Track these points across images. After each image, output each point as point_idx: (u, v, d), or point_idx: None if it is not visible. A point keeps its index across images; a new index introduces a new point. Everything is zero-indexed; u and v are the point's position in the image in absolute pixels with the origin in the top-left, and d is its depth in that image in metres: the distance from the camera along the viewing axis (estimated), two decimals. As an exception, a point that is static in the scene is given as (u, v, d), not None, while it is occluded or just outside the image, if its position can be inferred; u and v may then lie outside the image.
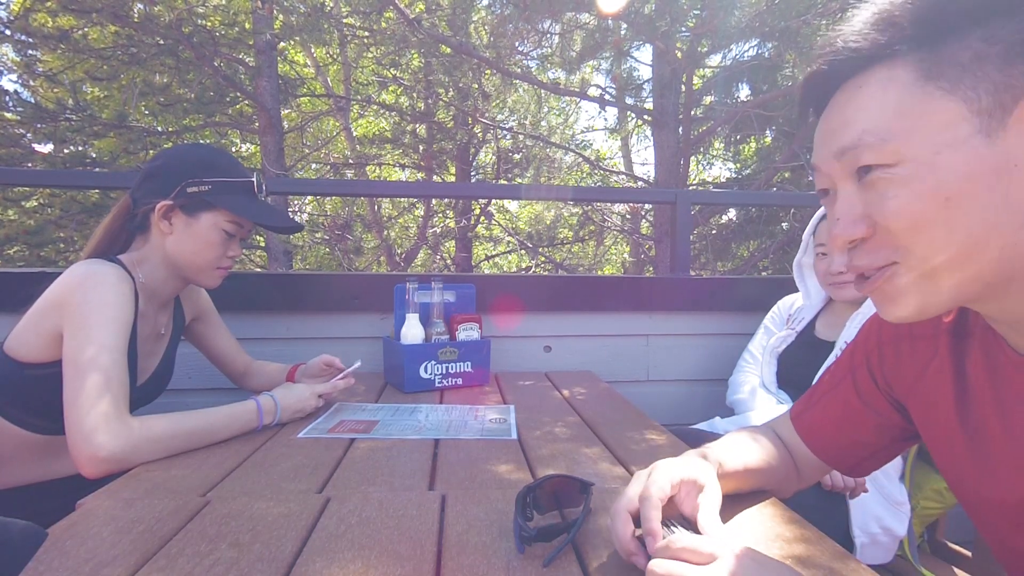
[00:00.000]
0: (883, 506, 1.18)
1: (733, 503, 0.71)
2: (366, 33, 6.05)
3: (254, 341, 1.59)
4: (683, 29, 4.73)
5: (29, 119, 6.18)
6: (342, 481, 0.83)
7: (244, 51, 6.39)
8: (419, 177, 8.95)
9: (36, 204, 6.61)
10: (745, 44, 5.37)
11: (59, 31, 5.75)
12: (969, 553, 1.32)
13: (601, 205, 7.66)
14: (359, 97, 8.45)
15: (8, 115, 6.10)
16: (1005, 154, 0.44)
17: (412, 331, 1.41)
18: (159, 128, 7.17)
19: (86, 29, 6.09)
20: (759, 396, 1.46)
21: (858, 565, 0.59)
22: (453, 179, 8.67)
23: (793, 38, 4.41)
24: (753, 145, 7.12)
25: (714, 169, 9.86)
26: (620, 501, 0.59)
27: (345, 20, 5.87)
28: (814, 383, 0.80)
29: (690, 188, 6.99)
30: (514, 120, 8.31)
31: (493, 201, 8.37)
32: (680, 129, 5.77)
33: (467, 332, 1.48)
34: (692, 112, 6.02)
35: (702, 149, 7.86)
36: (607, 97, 6.47)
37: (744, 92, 6.27)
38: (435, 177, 8.68)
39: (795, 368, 1.44)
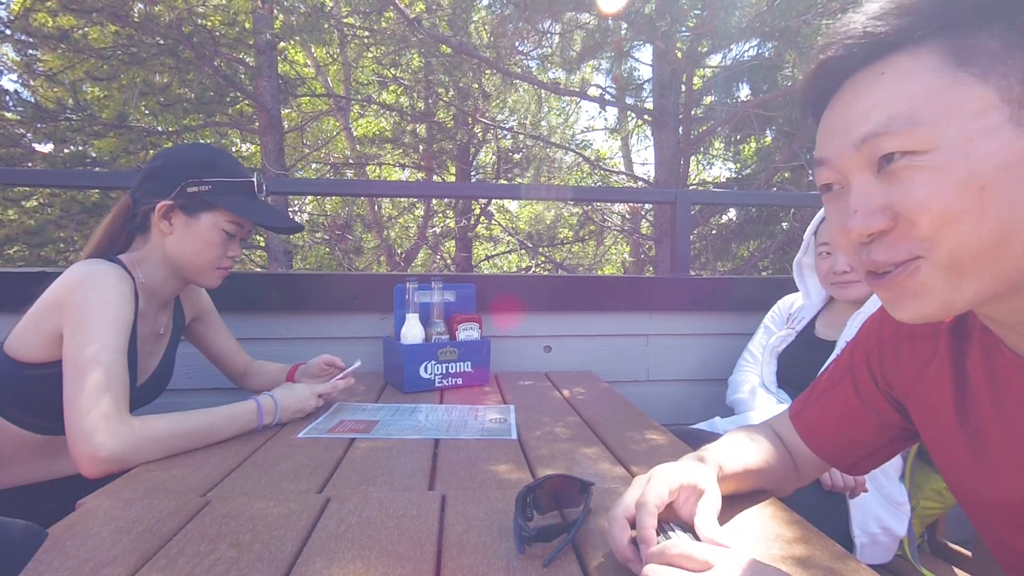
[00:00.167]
0: (883, 506, 1.18)
1: (733, 503, 0.71)
2: (366, 33, 6.05)
3: (254, 341, 1.59)
4: (683, 29, 4.73)
5: (29, 119, 6.18)
6: (342, 481, 0.83)
7: (244, 51, 6.40)
8: (419, 177, 8.96)
9: (36, 204, 6.61)
10: (745, 44, 5.38)
11: (59, 31, 5.76)
12: (969, 553, 1.32)
13: (601, 205, 7.66)
14: (359, 97, 8.46)
15: (8, 115, 6.10)
16: None
17: (412, 331, 1.41)
18: (159, 128, 7.17)
19: (86, 29, 6.09)
20: (759, 396, 1.46)
21: (858, 565, 0.59)
22: (453, 179, 8.68)
23: (793, 38, 4.41)
24: (753, 145, 7.13)
25: (714, 169, 9.87)
26: (617, 507, 0.59)
27: (345, 20, 5.88)
28: (813, 381, 0.80)
29: (690, 188, 6.98)
30: (514, 120, 8.32)
31: (493, 201, 8.37)
32: (680, 129, 5.77)
33: (467, 332, 1.48)
34: (692, 112, 6.03)
35: (702, 149, 7.86)
36: (607, 97, 6.47)
37: (744, 92, 6.27)
38: (435, 177, 8.69)
39: (795, 368, 1.44)
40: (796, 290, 1.56)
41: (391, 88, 8.27)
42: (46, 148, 6.61)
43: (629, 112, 7.01)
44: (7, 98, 6.13)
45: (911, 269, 0.47)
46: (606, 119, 12.91)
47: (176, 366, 1.26)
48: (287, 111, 7.80)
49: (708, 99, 6.56)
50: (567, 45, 5.22)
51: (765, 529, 0.67)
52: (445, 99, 7.13)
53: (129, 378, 0.96)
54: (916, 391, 0.64)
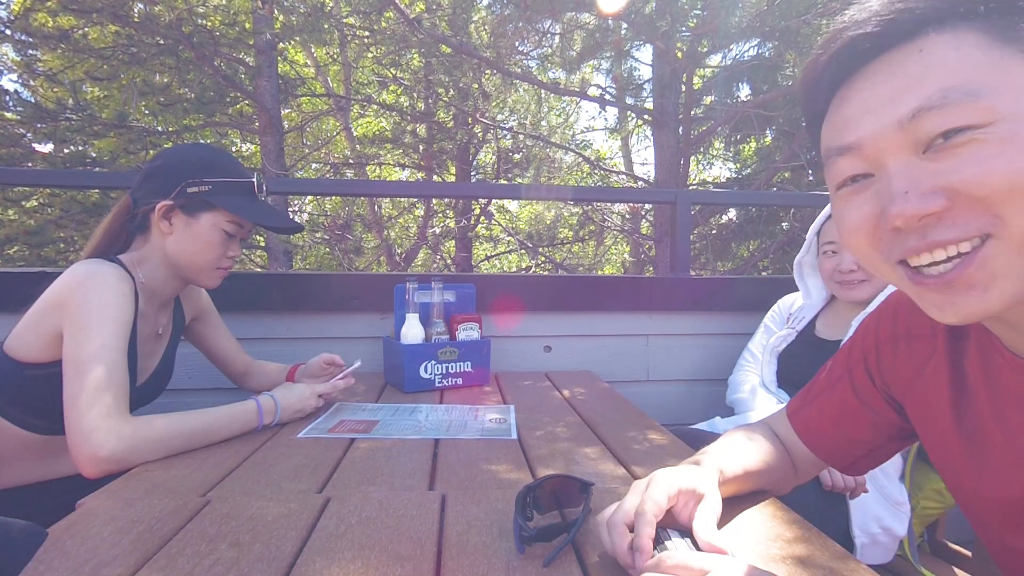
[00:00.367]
0: (883, 506, 1.18)
1: (732, 504, 0.71)
2: (366, 33, 6.06)
3: (254, 341, 1.59)
4: (683, 29, 4.73)
5: (29, 119, 6.19)
6: (342, 481, 0.83)
7: (244, 51, 6.40)
8: (419, 177, 8.96)
9: (36, 204, 6.61)
10: (745, 44, 5.38)
11: (59, 31, 5.76)
12: (969, 553, 1.32)
13: (601, 205, 7.66)
14: (359, 97, 8.46)
15: (8, 115, 6.11)
16: None
17: (412, 331, 1.41)
18: (159, 128, 7.18)
19: (86, 29, 6.10)
20: (759, 395, 1.46)
21: (858, 565, 0.59)
22: (453, 179, 8.68)
23: (793, 38, 4.41)
24: (753, 145, 7.13)
25: (714, 169, 9.88)
26: (617, 514, 0.59)
27: (345, 20, 5.88)
28: (811, 380, 0.79)
29: (690, 188, 6.99)
30: (514, 120, 8.32)
31: (493, 201, 8.37)
32: (680, 129, 5.77)
33: (467, 332, 1.48)
34: (692, 112, 6.03)
35: (702, 149, 7.87)
36: (607, 97, 6.47)
37: (744, 92, 6.27)
38: (435, 177, 8.69)
39: (795, 367, 1.44)
40: (796, 290, 1.56)
41: (391, 88, 8.27)
42: (46, 148, 6.62)
43: (629, 112, 7.01)
44: (7, 98, 6.14)
45: (980, 255, 0.43)
46: (606, 119, 12.92)
47: (176, 366, 1.26)
48: (287, 111, 7.80)
49: (708, 99, 6.56)
50: (567, 45, 5.22)
51: (765, 529, 0.67)
52: (445, 99, 7.13)
53: (129, 378, 0.96)
54: (913, 390, 0.64)
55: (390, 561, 0.59)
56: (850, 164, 0.49)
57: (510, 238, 9.18)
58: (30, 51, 6.58)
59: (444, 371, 1.43)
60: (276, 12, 5.61)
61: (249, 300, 1.66)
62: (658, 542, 0.56)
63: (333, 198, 9.29)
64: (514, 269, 10.34)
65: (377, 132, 8.92)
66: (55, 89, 6.54)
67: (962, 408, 0.58)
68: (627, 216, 8.11)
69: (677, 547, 0.54)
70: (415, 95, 7.77)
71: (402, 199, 8.68)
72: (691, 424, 1.51)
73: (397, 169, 9.17)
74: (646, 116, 6.13)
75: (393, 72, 7.53)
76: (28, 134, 6.34)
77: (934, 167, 0.44)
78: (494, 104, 7.34)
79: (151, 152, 6.40)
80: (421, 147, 8.22)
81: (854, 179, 0.49)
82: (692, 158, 7.11)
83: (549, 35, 5.44)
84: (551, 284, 1.85)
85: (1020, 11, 0.43)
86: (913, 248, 0.45)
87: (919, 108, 0.43)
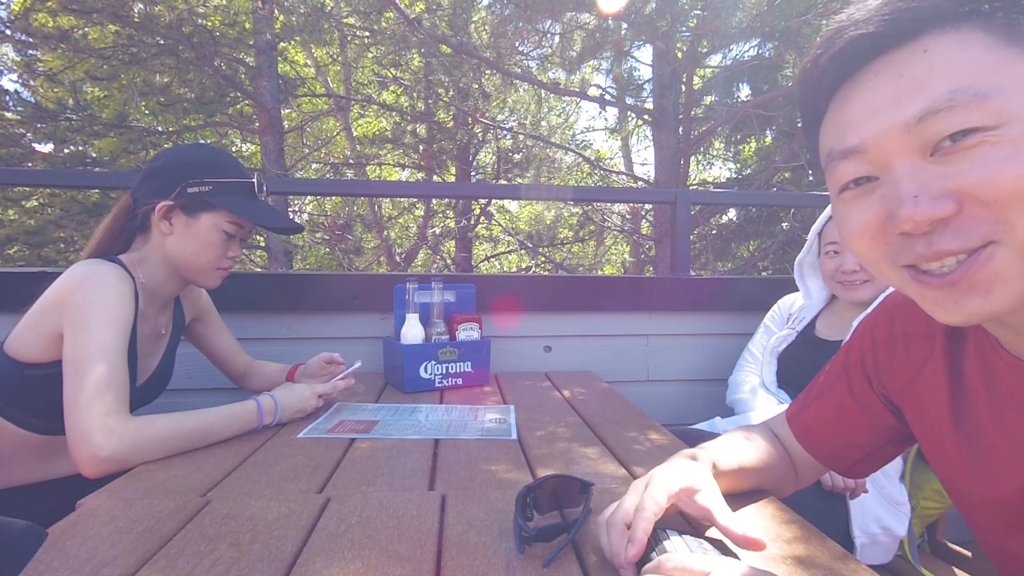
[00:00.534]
0: (883, 506, 1.18)
1: (731, 503, 0.71)
2: (366, 33, 6.06)
3: (254, 341, 1.59)
4: (683, 29, 4.73)
5: (29, 119, 6.19)
6: (342, 481, 0.83)
7: (244, 51, 6.40)
8: (419, 177, 8.96)
9: (36, 204, 6.62)
10: (745, 44, 5.38)
11: (59, 31, 5.76)
12: (969, 553, 1.32)
13: (601, 205, 7.66)
14: (359, 97, 8.46)
15: (8, 115, 6.11)
16: None
17: (412, 331, 1.41)
18: (159, 128, 7.18)
19: (86, 29, 6.10)
20: (759, 396, 1.46)
21: (858, 565, 0.59)
22: (453, 179, 8.68)
23: (794, 38, 4.41)
24: (753, 145, 7.13)
25: (714, 169, 9.87)
26: (616, 513, 0.59)
27: (345, 20, 5.88)
28: (810, 384, 0.79)
29: (690, 188, 6.99)
30: (514, 120, 8.32)
31: (493, 201, 8.37)
32: (680, 129, 5.77)
33: (467, 332, 1.48)
34: (692, 112, 6.03)
35: (702, 149, 7.86)
36: (607, 97, 6.47)
37: (744, 92, 6.28)
38: (435, 177, 8.69)
39: (795, 368, 1.44)
40: (796, 290, 1.56)
41: (391, 88, 8.27)
42: (46, 148, 6.62)
43: (629, 112, 7.01)
44: (7, 98, 6.14)
45: (984, 257, 0.42)
46: (606, 119, 12.93)
47: (176, 366, 1.26)
48: (287, 111, 7.80)
49: (708, 99, 6.56)
50: (567, 45, 5.22)
51: (765, 529, 0.67)
52: (445, 99, 7.13)
53: (129, 378, 0.96)
54: (911, 392, 0.64)
55: (390, 561, 0.59)
56: (854, 167, 0.48)
57: (510, 238, 9.18)
58: (30, 51, 6.59)
59: (444, 371, 1.43)
60: (276, 12, 5.61)
61: (249, 300, 1.66)
62: (657, 542, 0.56)
63: (333, 198, 9.30)
64: (514, 269, 10.35)
65: (377, 132, 8.93)
66: (55, 89, 6.54)
67: (960, 409, 0.58)
68: (627, 216, 8.11)
69: (676, 547, 0.54)
70: (415, 95, 7.78)
71: (402, 199, 8.68)
72: (691, 424, 1.51)
73: (397, 169, 9.17)
74: (646, 116, 6.13)
75: (393, 72, 7.53)
76: (28, 134, 6.35)
77: (942, 170, 0.43)
78: (494, 104, 7.34)
79: (151, 152, 6.41)
80: (421, 147, 8.23)
81: (857, 182, 0.48)
82: (692, 158, 7.11)
83: (549, 35, 5.44)
84: (551, 284, 1.85)
85: (1023, 9, 0.42)
86: (922, 255, 0.45)
87: (926, 110, 0.42)
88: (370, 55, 6.96)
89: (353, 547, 0.62)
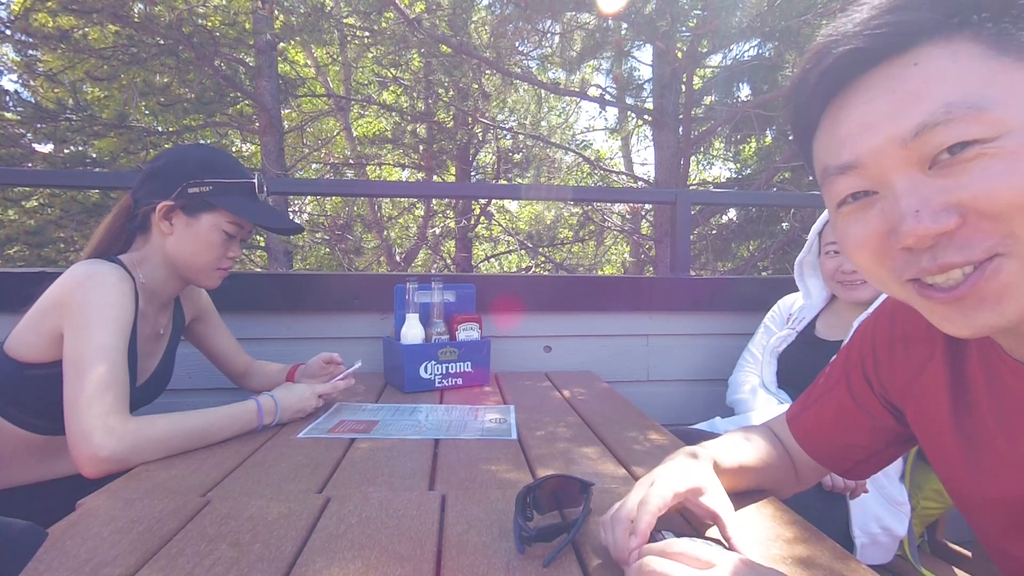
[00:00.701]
0: (883, 506, 1.18)
1: (732, 503, 0.71)
2: (366, 33, 6.06)
3: (254, 341, 1.59)
4: (683, 29, 4.73)
5: (29, 119, 6.19)
6: (342, 481, 0.83)
7: (244, 51, 6.40)
8: (419, 177, 8.96)
9: (36, 204, 6.62)
10: (746, 44, 5.38)
11: (59, 31, 5.76)
12: (969, 553, 1.32)
13: (601, 205, 7.66)
14: (359, 97, 8.46)
15: (8, 115, 6.11)
16: None
17: (412, 331, 1.41)
18: (159, 128, 7.18)
19: (86, 29, 6.10)
20: (759, 396, 1.46)
21: (858, 565, 0.59)
22: (453, 179, 8.68)
23: (794, 38, 4.41)
24: (753, 145, 7.13)
25: (714, 169, 9.88)
26: (620, 510, 0.59)
27: (345, 20, 5.88)
28: (810, 385, 0.79)
29: (690, 188, 6.99)
30: (514, 120, 8.32)
31: (493, 201, 8.37)
32: (680, 129, 5.77)
33: (467, 332, 1.48)
34: (692, 112, 6.03)
35: (702, 149, 7.87)
36: (607, 97, 6.47)
37: (744, 92, 6.28)
38: (435, 177, 8.69)
39: (795, 368, 1.44)
40: (796, 290, 1.56)
41: (391, 88, 8.28)
42: (46, 148, 6.62)
43: (629, 112, 7.01)
44: (7, 98, 6.14)
45: (991, 270, 0.42)
46: (606, 119, 12.93)
47: (176, 366, 1.26)
48: (287, 111, 7.80)
49: (708, 99, 6.56)
50: (567, 45, 5.22)
51: (765, 529, 0.67)
52: (445, 99, 7.13)
53: (129, 378, 0.96)
54: (911, 394, 0.64)
55: (390, 561, 0.59)
56: (851, 182, 0.47)
57: (510, 238, 9.18)
58: (30, 51, 6.59)
59: (444, 371, 1.43)
60: (276, 12, 5.61)
61: (249, 300, 1.66)
62: (655, 542, 0.56)
63: (333, 198, 9.30)
64: (514, 269, 10.35)
65: (377, 132, 8.93)
66: (55, 89, 6.54)
67: (961, 412, 0.58)
68: (627, 216, 8.11)
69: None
70: (415, 95, 7.78)
71: (402, 199, 8.68)
72: (691, 424, 1.51)
73: (397, 169, 9.18)
74: (646, 116, 6.13)
75: (393, 72, 7.53)
76: (28, 134, 6.34)
77: (942, 183, 0.42)
78: (494, 104, 7.34)
79: (151, 152, 6.41)
80: (421, 147, 8.23)
81: (855, 196, 0.48)
82: (692, 158, 7.11)
83: (549, 35, 5.44)
84: (551, 284, 1.85)
85: (1013, 18, 0.41)
86: (926, 270, 0.44)
87: (923, 124, 0.42)
88: (370, 55, 6.97)
89: (353, 547, 0.62)
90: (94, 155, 6.83)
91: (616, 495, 0.62)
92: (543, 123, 8.43)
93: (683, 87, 5.69)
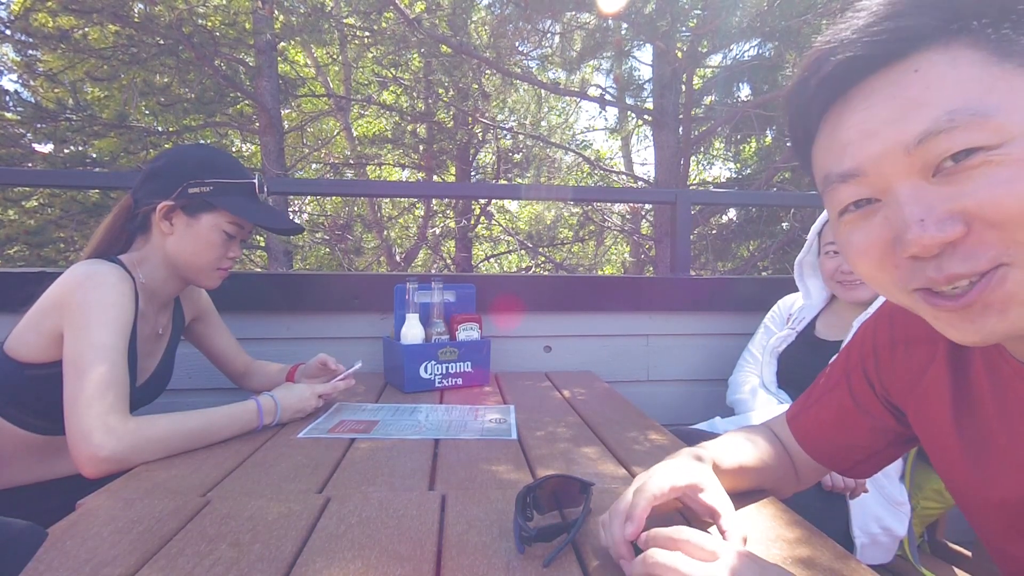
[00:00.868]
0: (883, 506, 1.18)
1: (732, 502, 0.71)
2: (366, 33, 6.06)
3: (254, 341, 1.59)
4: (684, 29, 4.74)
5: (29, 119, 6.19)
6: (342, 481, 0.83)
7: (244, 51, 6.40)
8: (419, 177, 8.96)
9: (36, 204, 6.62)
10: (746, 44, 5.38)
11: (59, 31, 5.76)
12: (969, 553, 1.32)
13: (601, 205, 7.66)
14: (359, 97, 8.46)
15: (8, 115, 6.11)
16: None
17: (412, 331, 1.41)
18: (159, 128, 7.18)
19: (86, 29, 6.10)
20: (759, 396, 1.46)
21: (858, 565, 0.59)
22: (453, 179, 8.68)
23: (794, 38, 4.41)
24: (753, 145, 7.13)
25: (714, 169, 9.88)
26: (619, 504, 0.59)
27: (345, 20, 5.88)
28: (810, 386, 0.79)
29: (690, 188, 6.99)
30: (514, 120, 8.32)
31: (493, 201, 8.37)
32: (680, 129, 5.77)
33: (467, 332, 1.48)
34: (692, 112, 6.03)
35: (702, 149, 7.87)
36: (607, 97, 6.47)
37: (744, 92, 6.28)
38: (435, 177, 8.69)
39: (795, 368, 1.44)
40: (796, 290, 1.56)
41: (391, 88, 8.28)
42: (46, 148, 6.62)
43: (629, 112, 7.01)
44: (7, 98, 6.14)
45: (996, 280, 0.41)
46: (606, 119, 12.91)
47: (176, 366, 1.26)
48: (287, 111, 7.81)
49: (708, 99, 6.56)
50: (567, 45, 5.22)
51: (766, 529, 0.67)
52: (445, 99, 7.13)
53: (129, 378, 0.96)
54: (913, 396, 0.64)
55: (390, 561, 0.59)
56: (853, 190, 0.47)
57: (510, 238, 9.18)
58: (30, 51, 6.59)
59: (444, 371, 1.43)
60: (276, 12, 5.61)
61: (249, 300, 1.66)
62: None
63: (333, 198, 9.30)
64: (514, 269, 10.35)
65: (377, 132, 8.93)
66: (55, 89, 6.54)
67: (964, 413, 0.58)
68: (627, 216, 8.11)
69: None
70: (415, 95, 7.78)
71: (402, 199, 8.68)
72: (691, 424, 1.51)
73: (397, 169, 9.18)
74: (646, 116, 6.13)
75: (393, 72, 7.53)
76: (28, 134, 6.35)
77: (947, 191, 0.42)
78: (494, 104, 7.35)
79: (151, 152, 6.41)
80: (421, 147, 8.23)
81: (857, 204, 0.47)
82: (692, 158, 7.11)
83: (549, 35, 5.44)
84: (551, 284, 1.85)
85: (1013, 24, 0.41)
86: (932, 280, 0.44)
87: (926, 132, 0.41)
88: (370, 55, 6.97)
89: (353, 547, 0.62)
90: (94, 155, 6.83)
91: (616, 495, 0.62)
92: (543, 123, 8.43)
93: (683, 87, 5.69)
